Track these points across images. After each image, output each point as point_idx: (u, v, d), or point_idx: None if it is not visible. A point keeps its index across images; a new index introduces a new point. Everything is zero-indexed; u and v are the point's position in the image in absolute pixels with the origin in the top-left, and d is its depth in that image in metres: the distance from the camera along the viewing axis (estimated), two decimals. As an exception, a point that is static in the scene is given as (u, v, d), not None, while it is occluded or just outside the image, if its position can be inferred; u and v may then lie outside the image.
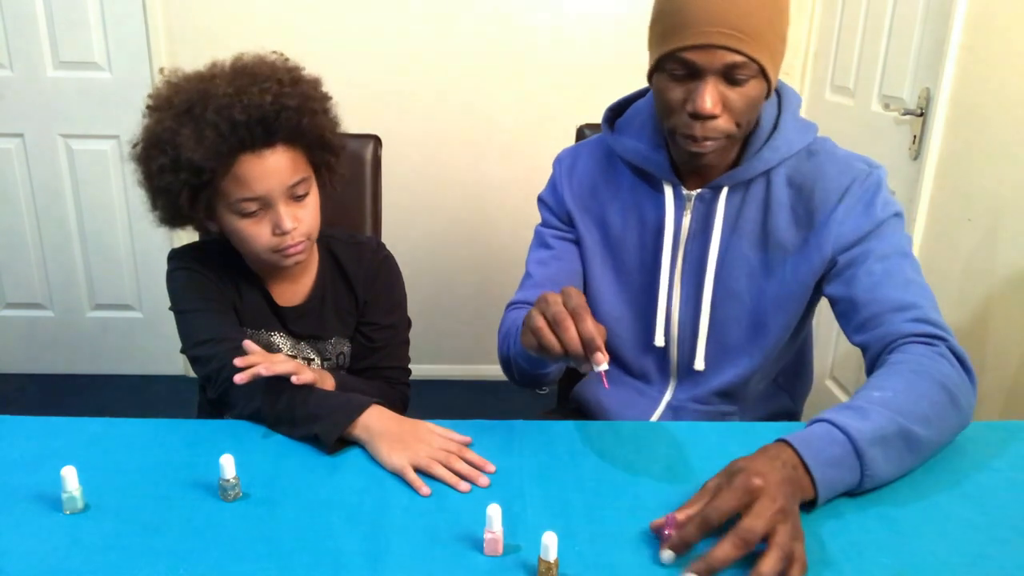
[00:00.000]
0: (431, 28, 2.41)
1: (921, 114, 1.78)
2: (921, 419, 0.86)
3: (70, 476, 0.82)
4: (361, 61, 2.43)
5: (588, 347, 0.80)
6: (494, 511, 0.77)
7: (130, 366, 2.74)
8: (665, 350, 1.15)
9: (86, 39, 2.39)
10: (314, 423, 0.97)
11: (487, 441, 0.98)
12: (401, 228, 2.21)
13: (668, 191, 1.07)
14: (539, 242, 1.18)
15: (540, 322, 0.83)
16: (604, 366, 0.81)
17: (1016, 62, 1.50)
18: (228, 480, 0.85)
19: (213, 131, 1.01)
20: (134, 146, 1.08)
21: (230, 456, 0.85)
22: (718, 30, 0.88)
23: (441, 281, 2.65)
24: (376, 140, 1.49)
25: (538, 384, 1.12)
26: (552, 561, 0.73)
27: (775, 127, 1.03)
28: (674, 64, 0.93)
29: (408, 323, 1.31)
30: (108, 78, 2.44)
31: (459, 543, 0.79)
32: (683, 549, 0.74)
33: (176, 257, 1.19)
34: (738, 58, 0.90)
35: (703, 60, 0.91)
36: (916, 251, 1.80)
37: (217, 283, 1.18)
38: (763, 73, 0.93)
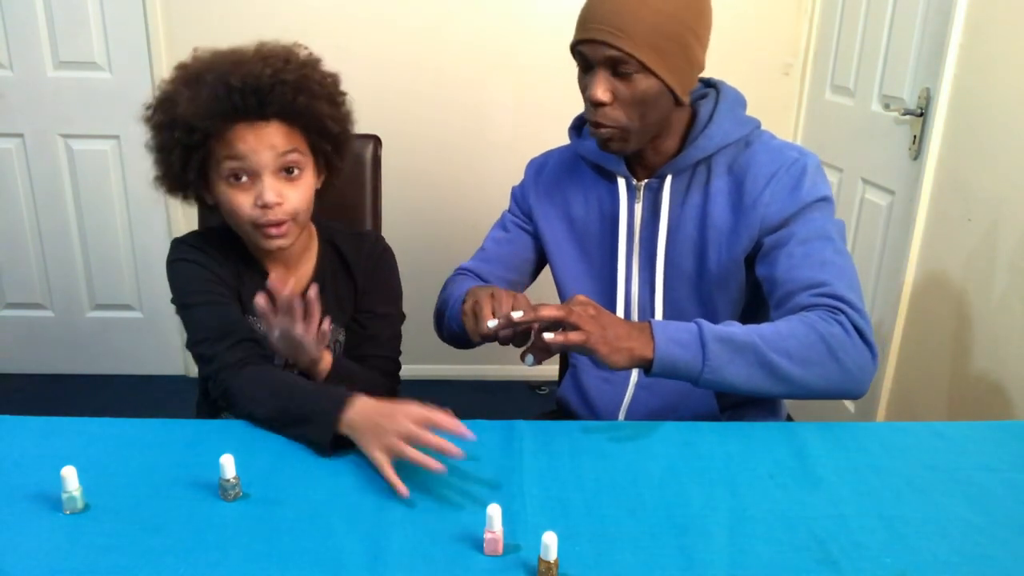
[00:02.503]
0: (431, 28, 2.41)
1: (921, 114, 1.78)
2: (782, 351, 0.97)
3: (70, 476, 0.82)
4: (361, 61, 2.43)
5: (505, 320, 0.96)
6: (494, 511, 0.77)
7: (130, 366, 2.73)
8: None
9: (86, 39, 2.39)
10: (304, 426, 0.96)
11: (487, 441, 0.98)
12: (401, 228, 2.20)
13: (621, 183, 1.16)
14: (500, 224, 1.32)
15: (477, 306, 0.99)
16: (493, 322, 0.96)
17: (1016, 62, 1.50)
18: (228, 480, 0.85)
19: (209, 93, 1.05)
20: (147, 108, 1.12)
21: (230, 456, 0.85)
22: (599, 27, 1.00)
23: (441, 281, 2.63)
24: (376, 140, 1.49)
25: (464, 344, 1.20)
26: (552, 561, 0.73)
27: (711, 119, 1.12)
28: (576, 57, 1.06)
29: (402, 317, 1.32)
30: (108, 78, 2.44)
31: (459, 543, 0.79)
32: (504, 330, 0.94)
33: (176, 247, 1.19)
34: (615, 53, 1.00)
35: (590, 52, 1.03)
36: (915, 251, 1.81)
37: (218, 270, 1.17)
38: (649, 71, 1.01)
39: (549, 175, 1.26)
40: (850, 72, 2.15)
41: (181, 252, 1.17)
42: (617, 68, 1.01)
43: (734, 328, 0.98)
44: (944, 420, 1.45)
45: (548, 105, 2.47)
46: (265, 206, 1.08)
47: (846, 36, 2.20)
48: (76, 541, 0.78)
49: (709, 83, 1.17)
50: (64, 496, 0.82)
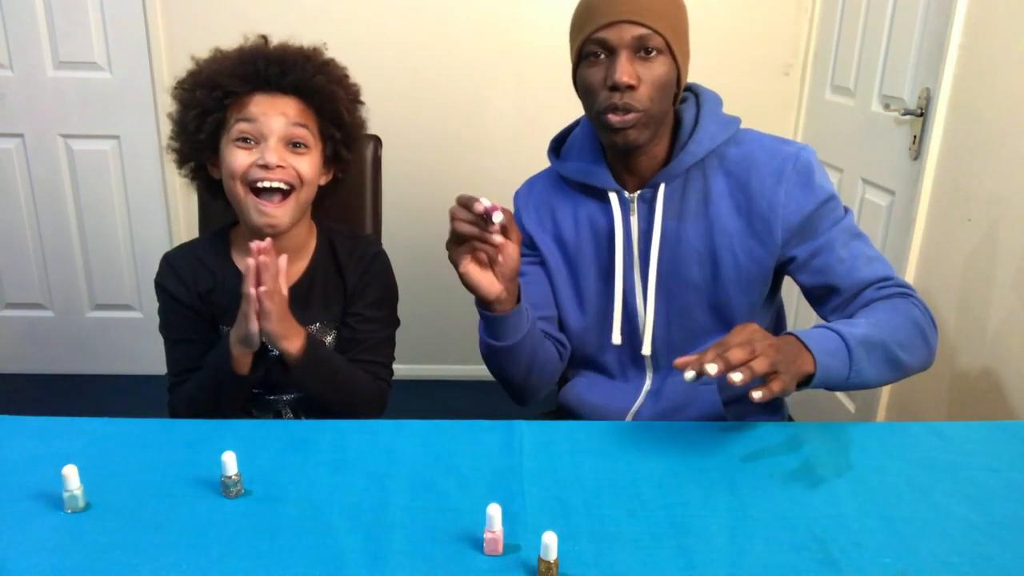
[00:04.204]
0: (431, 28, 2.41)
1: (921, 114, 1.78)
2: (897, 343, 0.99)
3: (72, 475, 0.82)
4: (361, 61, 2.41)
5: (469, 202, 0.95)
6: (494, 511, 0.77)
7: (130, 366, 2.73)
8: (638, 345, 1.19)
9: (86, 39, 2.39)
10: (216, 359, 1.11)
11: (487, 441, 0.98)
12: (401, 228, 2.21)
13: (613, 197, 1.14)
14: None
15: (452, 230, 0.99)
16: (486, 203, 0.94)
17: (1016, 62, 1.50)
18: (230, 477, 0.85)
19: (236, 58, 1.13)
20: (176, 80, 1.18)
21: (232, 453, 0.85)
22: (624, 9, 1.02)
23: (441, 281, 2.64)
24: (376, 140, 1.49)
25: (505, 366, 1.12)
26: (552, 561, 0.73)
27: (696, 123, 1.12)
28: (592, 46, 1.05)
29: (395, 322, 1.31)
30: (108, 78, 2.44)
31: (459, 543, 0.79)
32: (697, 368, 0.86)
33: (161, 268, 1.22)
34: (643, 30, 1.02)
35: (614, 36, 1.03)
36: (916, 251, 1.81)
37: (194, 300, 1.20)
38: (670, 51, 1.04)
39: (538, 199, 1.24)
40: (850, 72, 2.16)
41: (162, 277, 1.22)
42: (643, 47, 1.02)
43: (862, 325, 0.98)
44: (944, 420, 1.45)
45: (549, 105, 2.47)
46: (265, 166, 1.10)
47: (846, 36, 2.20)
48: (78, 540, 0.79)
49: (686, 87, 1.17)
50: (66, 495, 0.82)
